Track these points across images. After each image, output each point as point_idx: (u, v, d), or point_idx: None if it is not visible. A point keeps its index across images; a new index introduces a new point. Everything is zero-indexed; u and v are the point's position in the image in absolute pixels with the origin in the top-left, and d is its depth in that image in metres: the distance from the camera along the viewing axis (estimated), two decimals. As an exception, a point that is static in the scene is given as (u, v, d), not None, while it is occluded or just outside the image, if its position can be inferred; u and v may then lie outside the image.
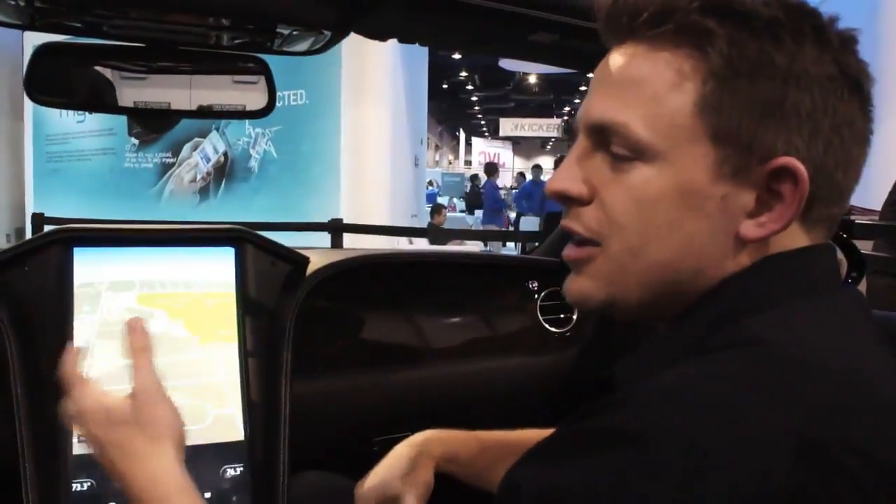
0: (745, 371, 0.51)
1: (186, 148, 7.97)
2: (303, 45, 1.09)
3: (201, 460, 1.09)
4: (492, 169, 10.90)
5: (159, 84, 1.10)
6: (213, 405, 1.15)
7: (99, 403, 0.82)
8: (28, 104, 8.59)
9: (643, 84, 0.58)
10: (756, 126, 0.55)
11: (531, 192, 10.71)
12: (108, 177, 8.52)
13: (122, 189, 8.32)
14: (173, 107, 1.06)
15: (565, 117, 24.87)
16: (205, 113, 1.12)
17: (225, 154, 7.69)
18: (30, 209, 8.30)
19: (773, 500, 0.46)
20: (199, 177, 7.93)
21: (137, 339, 0.88)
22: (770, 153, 0.56)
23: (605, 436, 0.50)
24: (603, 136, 0.60)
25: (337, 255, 1.33)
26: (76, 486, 1.06)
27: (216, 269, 1.23)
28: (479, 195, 14.64)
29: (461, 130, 27.65)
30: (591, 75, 0.70)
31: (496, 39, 1.24)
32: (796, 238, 0.59)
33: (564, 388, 1.53)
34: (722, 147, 0.56)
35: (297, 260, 1.28)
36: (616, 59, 0.60)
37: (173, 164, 8.13)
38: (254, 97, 1.09)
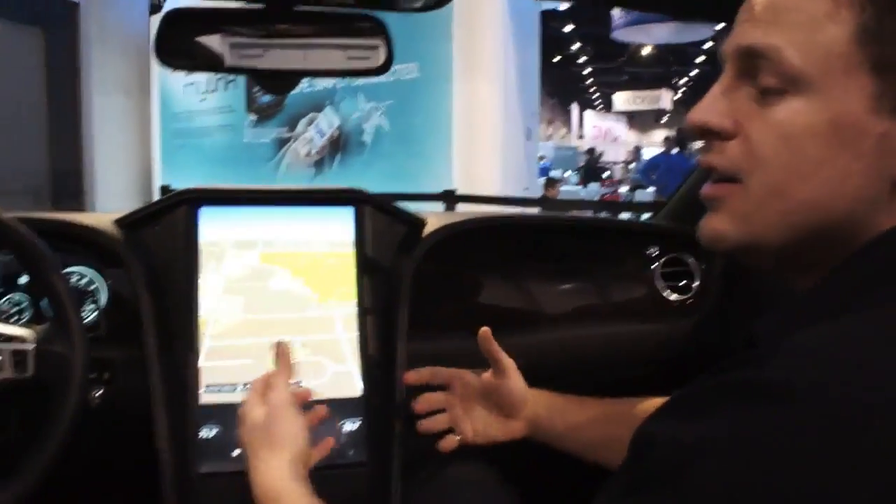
0: None
1: (302, 123, 8.16)
2: (419, 1, 1.09)
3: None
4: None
5: (279, 45, 1.12)
6: (332, 361, 1.18)
7: (248, 408, 0.91)
8: (155, 84, 8.99)
9: (798, 10, 0.54)
10: None
11: (661, 165, 10.03)
12: (227, 152, 8.84)
13: (241, 163, 8.61)
14: (292, 67, 1.07)
15: (682, 89, 24.12)
16: (323, 72, 1.13)
17: (339, 128, 7.83)
18: (157, 182, 8.72)
19: None
20: (314, 151, 8.11)
21: (282, 361, 0.96)
22: None
23: (750, 388, 0.47)
24: (751, 65, 0.57)
25: (453, 218, 1.33)
26: (203, 433, 1.12)
27: (335, 229, 1.26)
28: (595, 169, 14.37)
29: (573, 104, 27.22)
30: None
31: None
32: None
33: (681, 357, 1.48)
34: (883, 79, 0.52)
35: (414, 221, 1.29)
36: None
37: (289, 138, 8.35)
38: (371, 55, 1.10)
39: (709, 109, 0.59)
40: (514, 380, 1.04)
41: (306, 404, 0.95)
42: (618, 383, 1.13)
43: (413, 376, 1.05)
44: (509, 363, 1.04)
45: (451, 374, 1.06)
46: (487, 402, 1.06)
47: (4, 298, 1.21)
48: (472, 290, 1.42)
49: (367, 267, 1.24)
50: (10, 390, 0.98)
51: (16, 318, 1.22)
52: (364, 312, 1.22)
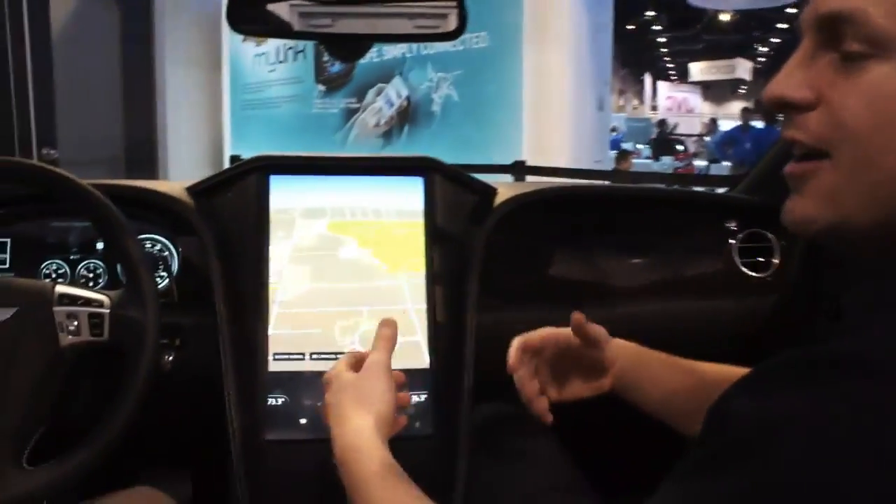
0: None
1: (370, 93, 8.18)
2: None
3: None
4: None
5: (350, 10, 1.11)
6: (400, 332, 1.17)
7: (337, 371, 0.92)
8: (226, 56, 9.12)
9: None
10: None
11: (739, 139, 9.39)
12: (296, 122, 8.92)
13: (309, 133, 8.68)
14: (363, 31, 1.06)
15: (761, 58, 23.39)
16: (393, 37, 1.12)
17: (408, 98, 7.82)
18: (227, 152, 8.87)
19: None
20: (382, 121, 8.12)
21: (388, 330, 0.96)
22: None
23: (837, 364, 0.45)
24: (834, 31, 0.54)
25: (524, 188, 1.32)
26: (271, 401, 1.13)
27: (405, 198, 1.25)
28: (668, 141, 14.06)
29: (646, 74, 26.66)
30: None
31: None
32: None
33: (757, 334, 1.44)
34: None
35: (484, 190, 1.28)
36: None
37: (358, 109, 8.37)
38: (441, 21, 1.08)
39: (787, 81, 0.57)
40: (608, 347, 1.02)
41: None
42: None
43: (515, 363, 1.00)
44: (602, 334, 1.01)
45: (543, 338, 1.02)
46: (576, 362, 1.04)
47: (81, 264, 1.25)
48: (543, 262, 1.40)
49: (437, 237, 1.24)
50: (87, 354, 1.01)
51: (92, 283, 1.25)
52: (433, 282, 1.21)
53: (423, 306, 1.20)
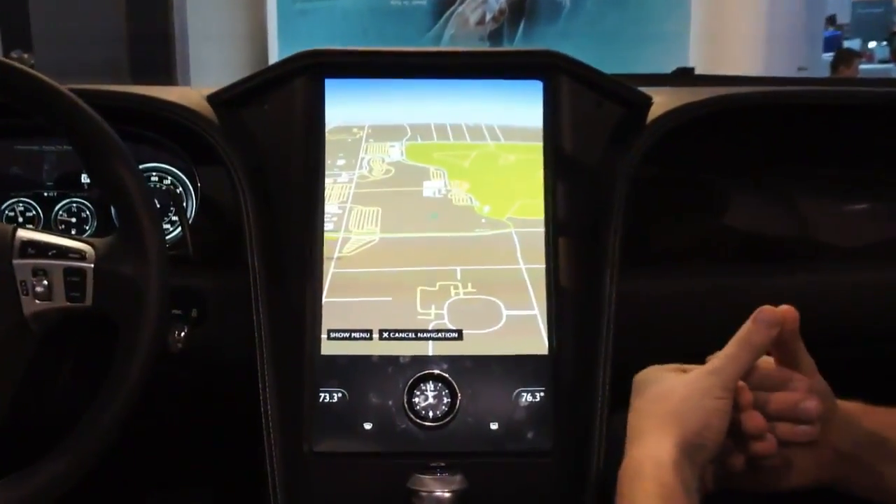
0: None
1: (472, -22, 8.15)
2: None
3: (488, 377, 1.13)
4: None
5: None
6: (507, 303, 1.17)
7: (655, 374, 0.94)
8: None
9: None
10: None
11: None
12: (368, 19, 8.94)
13: (386, 34, 8.70)
14: None
15: None
16: None
17: (525, -16, 7.77)
18: (273, 58, 8.98)
19: None
20: (488, 17, 8.09)
21: (758, 333, 0.90)
22: None
23: None
24: None
25: (693, 96, 1.27)
26: (324, 396, 1.13)
27: (517, 111, 1.24)
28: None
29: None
30: None
31: None
32: None
33: None
34: None
35: (634, 100, 1.25)
36: None
37: (455, 1, 8.36)
38: None
39: None
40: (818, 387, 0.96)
41: None
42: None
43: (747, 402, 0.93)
44: (810, 365, 0.96)
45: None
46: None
47: (59, 205, 1.27)
48: (716, 206, 1.39)
49: (563, 168, 1.21)
50: (61, 325, 1.00)
51: (75, 231, 1.27)
52: (557, 233, 1.19)
53: (542, 266, 1.18)
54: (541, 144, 1.22)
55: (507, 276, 1.18)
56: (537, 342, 1.16)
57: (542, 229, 1.20)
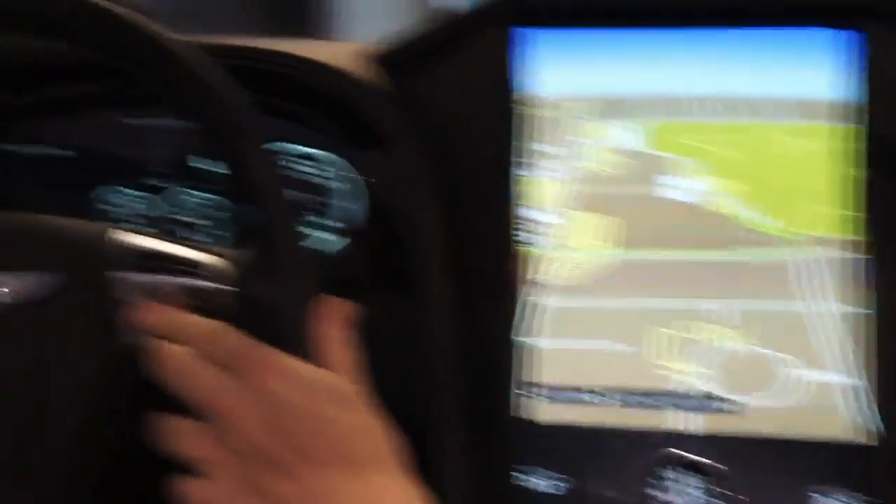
0: None
1: None
2: None
3: (766, 469, 0.95)
4: None
5: None
6: (797, 360, 0.98)
7: None
8: None
9: None
10: None
11: None
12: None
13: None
14: None
15: None
16: None
17: None
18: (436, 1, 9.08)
19: None
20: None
21: None
22: None
23: None
24: None
25: None
26: (538, 484, 0.99)
27: (811, 78, 1.01)
28: None
29: None
30: None
31: None
32: None
33: None
34: None
35: None
36: None
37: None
38: None
39: None
40: None
41: None
42: None
43: None
44: None
45: None
46: None
47: (172, 198, 1.16)
48: None
49: (886, 161, 0.99)
50: None
51: (193, 234, 1.15)
52: (881, 260, 0.97)
53: (858, 309, 0.97)
54: (850, 127, 0.99)
55: (800, 320, 0.97)
56: (840, 422, 0.96)
57: (853, 253, 0.97)
